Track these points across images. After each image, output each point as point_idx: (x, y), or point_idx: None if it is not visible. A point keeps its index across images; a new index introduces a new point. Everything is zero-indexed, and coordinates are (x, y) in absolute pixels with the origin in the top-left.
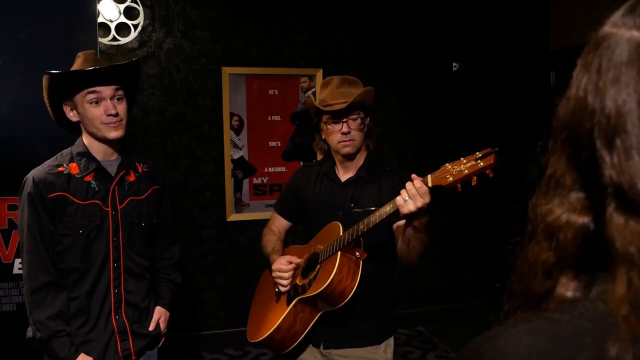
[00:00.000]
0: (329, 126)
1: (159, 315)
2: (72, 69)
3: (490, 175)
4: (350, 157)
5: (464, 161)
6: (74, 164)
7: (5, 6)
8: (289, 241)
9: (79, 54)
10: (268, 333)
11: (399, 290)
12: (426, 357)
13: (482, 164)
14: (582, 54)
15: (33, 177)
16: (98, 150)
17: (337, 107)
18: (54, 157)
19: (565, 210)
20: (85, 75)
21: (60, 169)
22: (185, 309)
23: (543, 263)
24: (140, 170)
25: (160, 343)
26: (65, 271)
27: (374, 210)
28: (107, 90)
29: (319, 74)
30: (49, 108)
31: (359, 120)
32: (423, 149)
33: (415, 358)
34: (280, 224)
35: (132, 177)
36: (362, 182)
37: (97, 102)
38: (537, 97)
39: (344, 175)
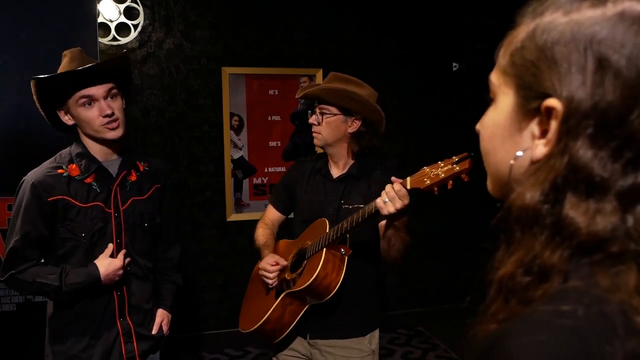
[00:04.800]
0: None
1: (162, 318)
2: (59, 70)
3: (465, 180)
4: (332, 154)
5: (441, 164)
6: (74, 165)
7: (5, 6)
8: (281, 235)
9: (65, 52)
10: (258, 324)
11: (399, 290)
12: (426, 357)
13: (457, 168)
14: None
15: (32, 181)
16: (98, 151)
17: (301, 94)
18: (52, 158)
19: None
20: (72, 76)
21: (60, 171)
22: (185, 309)
23: (544, 262)
24: (142, 169)
25: (162, 345)
26: None
27: (362, 207)
28: (99, 90)
29: (319, 74)
30: (42, 113)
31: (321, 116)
32: (423, 149)
33: (415, 358)
34: (274, 216)
35: (133, 177)
36: (353, 179)
37: (90, 104)
38: None
39: (335, 172)
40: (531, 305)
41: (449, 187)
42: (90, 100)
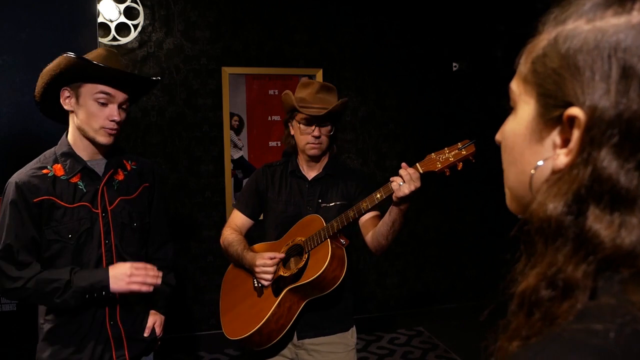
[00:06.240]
0: (301, 126)
1: (154, 320)
2: (88, 57)
3: (473, 161)
4: (316, 159)
5: (447, 150)
6: (59, 165)
7: (5, 6)
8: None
9: (101, 48)
10: (257, 327)
11: (399, 290)
12: (426, 357)
13: (464, 152)
14: None
15: (16, 182)
16: (84, 149)
17: (314, 112)
18: (37, 159)
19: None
20: (112, 73)
21: (45, 171)
22: (185, 309)
23: (568, 277)
24: (129, 168)
25: (156, 347)
26: None
27: (340, 204)
28: (120, 96)
29: (319, 74)
30: (41, 86)
31: (329, 127)
32: (423, 149)
33: (415, 358)
34: (243, 223)
35: (121, 176)
36: (329, 179)
37: (104, 104)
38: None
39: (309, 174)
40: (556, 322)
41: (459, 168)
42: (108, 100)
